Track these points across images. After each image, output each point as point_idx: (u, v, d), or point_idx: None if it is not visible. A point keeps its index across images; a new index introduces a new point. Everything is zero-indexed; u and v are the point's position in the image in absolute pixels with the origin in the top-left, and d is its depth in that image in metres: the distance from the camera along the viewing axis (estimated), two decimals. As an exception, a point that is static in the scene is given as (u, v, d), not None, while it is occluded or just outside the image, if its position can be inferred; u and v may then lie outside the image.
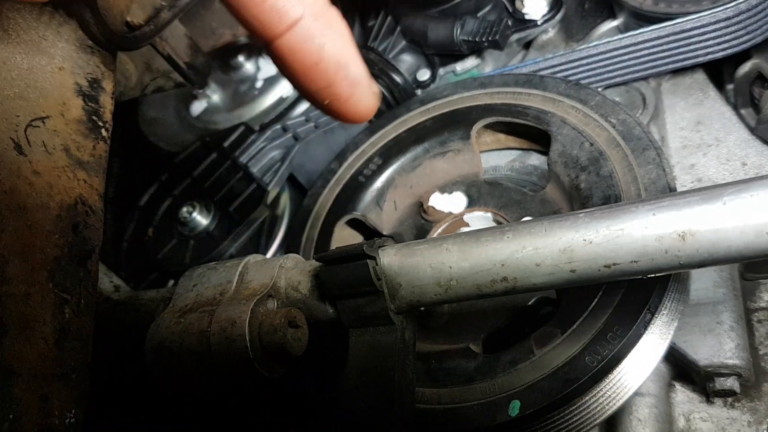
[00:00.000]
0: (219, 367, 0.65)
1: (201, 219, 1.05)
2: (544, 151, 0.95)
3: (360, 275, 0.63)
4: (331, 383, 0.73)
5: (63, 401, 0.53)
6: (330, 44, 0.58)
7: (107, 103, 0.72)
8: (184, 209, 1.05)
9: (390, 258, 0.64)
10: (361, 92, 0.62)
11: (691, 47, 0.95)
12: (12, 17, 0.67)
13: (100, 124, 0.69)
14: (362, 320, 0.66)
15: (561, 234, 0.56)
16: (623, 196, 0.77)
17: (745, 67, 0.98)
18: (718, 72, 1.04)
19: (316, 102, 0.62)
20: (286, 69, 0.59)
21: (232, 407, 0.77)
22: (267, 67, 1.31)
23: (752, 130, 0.94)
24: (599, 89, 1.01)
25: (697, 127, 0.97)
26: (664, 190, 0.75)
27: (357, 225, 1.00)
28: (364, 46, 1.17)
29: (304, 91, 0.61)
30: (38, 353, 0.52)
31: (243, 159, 1.09)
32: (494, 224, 0.91)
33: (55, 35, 0.71)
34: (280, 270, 0.70)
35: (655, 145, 0.79)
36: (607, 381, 0.69)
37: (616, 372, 0.68)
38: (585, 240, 0.55)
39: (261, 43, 0.58)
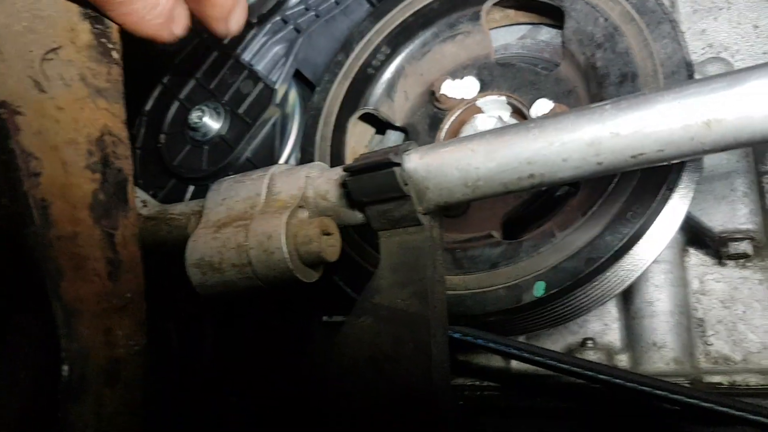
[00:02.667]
0: (259, 276, 0.68)
1: (212, 123, 1.04)
2: (555, 25, 0.93)
3: (387, 183, 0.64)
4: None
5: (125, 331, 0.57)
6: None
7: (113, 23, 0.70)
8: (194, 114, 1.04)
9: (415, 163, 0.65)
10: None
11: None
12: None
13: (110, 46, 0.67)
14: (391, 223, 0.68)
15: (588, 127, 0.57)
16: (640, 72, 0.76)
17: None
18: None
19: None
20: None
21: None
22: (255, -51, 1.24)
23: (766, -12, 0.91)
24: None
25: (707, -11, 0.94)
26: (681, 65, 0.74)
27: (370, 118, 1.00)
28: None
29: None
30: (95, 290, 0.55)
31: (246, 56, 1.07)
32: (509, 108, 0.91)
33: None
34: (307, 180, 0.72)
35: (670, 18, 0.77)
36: (627, 257, 0.72)
37: (635, 248, 0.72)
38: (612, 132, 0.55)
39: None
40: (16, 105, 0.54)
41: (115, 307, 0.56)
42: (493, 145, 0.61)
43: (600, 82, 0.79)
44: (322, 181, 0.72)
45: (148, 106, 1.16)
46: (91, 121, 0.60)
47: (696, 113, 0.53)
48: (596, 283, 0.74)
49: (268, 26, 1.08)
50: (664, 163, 0.57)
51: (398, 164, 0.64)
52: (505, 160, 0.60)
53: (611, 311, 0.87)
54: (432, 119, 0.95)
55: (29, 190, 0.52)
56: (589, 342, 0.85)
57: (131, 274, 0.59)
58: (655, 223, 0.71)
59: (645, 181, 0.72)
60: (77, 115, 0.59)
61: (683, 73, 0.74)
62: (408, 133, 0.98)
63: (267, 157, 1.04)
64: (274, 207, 0.71)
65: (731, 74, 0.53)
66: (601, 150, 0.56)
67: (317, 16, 1.07)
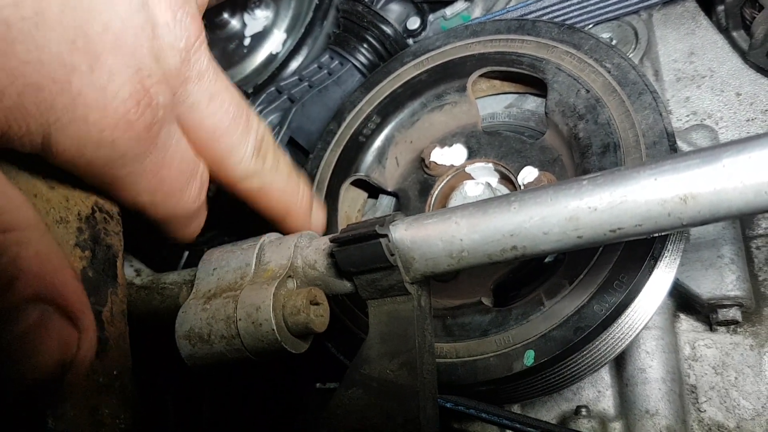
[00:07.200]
0: (248, 348, 0.69)
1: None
2: (540, 94, 0.96)
3: (374, 253, 0.65)
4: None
5: (112, 409, 0.57)
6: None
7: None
8: (190, 182, 1.06)
9: (401, 233, 0.66)
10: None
11: (682, -23, 0.93)
12: None
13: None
14: (379, 292, 0.69)
15: (566, 202, 0.58)
16: (622, 143, 0.78)
17: (736, -9, 0.97)
18: (709, -4, 1.03)
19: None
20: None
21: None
22: (253, 23, 1.29)
23: (745, 57, 0.94)
24: (590, 27, 1.00)
25: (690, 59, 0.97)
26: (662, 135, 0.76)
27: (362, 184, 1.02)
28: (349, -3, 1.15)
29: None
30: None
31: (241, 125, 1.09)
32: (496, 174, 0.93)
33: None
34: (296, 250, 0.73)
35: (651, 89, 0.79)
36: (616, 325, 0.72)
37: (623, 317, 0.72)
38: (590, 207, 0.56)
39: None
40: (7, 185, 0.55)
41: (102, 385, 0.56)
42: (476, 217, 0.62)
43: (583, 152, 0.81)
44: (310, 250, 0.73)
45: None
46: (83, 199, 0.61)
47: (672, 189, 0.54)
48: (586, 351, 0.74)
49: (263, 96, 1.11)
50: (644, 237, 0.58)
51: (384, 235, 0.65)
52: (488, 233, 0.61)
53: (605, 377, 0.87)
54: (422, 185, 0.97)
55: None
56: (583, 410, 0.84)
57: (118, 351, 0.59)
58: (641, 291, 0.72)
59: (630, 250, 0.73)
60: (69, 192, 0.60)
61: (664, 143, 0.75)
62: (399, 198, 1.00)
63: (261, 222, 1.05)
64: (263, 277, 0.72)
65: (705, 150, 0.54)
66: (580, 224, 0.57)
67: (310, 86, 1.11)
